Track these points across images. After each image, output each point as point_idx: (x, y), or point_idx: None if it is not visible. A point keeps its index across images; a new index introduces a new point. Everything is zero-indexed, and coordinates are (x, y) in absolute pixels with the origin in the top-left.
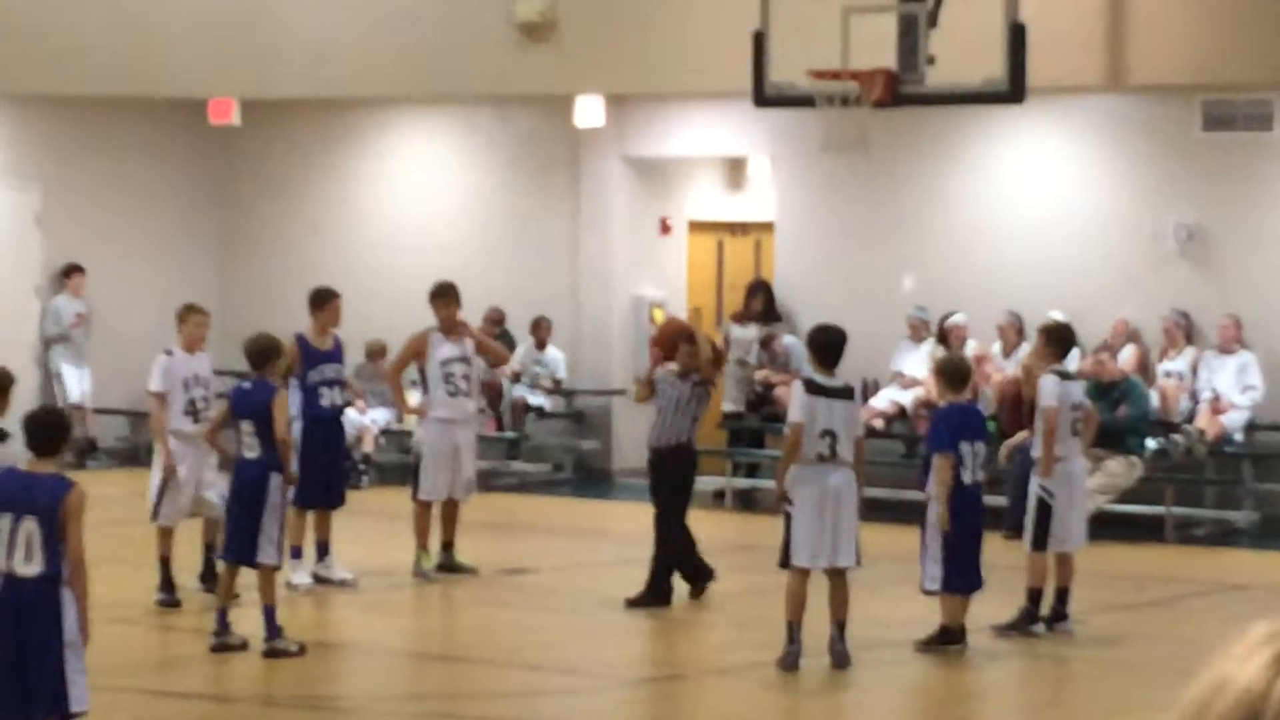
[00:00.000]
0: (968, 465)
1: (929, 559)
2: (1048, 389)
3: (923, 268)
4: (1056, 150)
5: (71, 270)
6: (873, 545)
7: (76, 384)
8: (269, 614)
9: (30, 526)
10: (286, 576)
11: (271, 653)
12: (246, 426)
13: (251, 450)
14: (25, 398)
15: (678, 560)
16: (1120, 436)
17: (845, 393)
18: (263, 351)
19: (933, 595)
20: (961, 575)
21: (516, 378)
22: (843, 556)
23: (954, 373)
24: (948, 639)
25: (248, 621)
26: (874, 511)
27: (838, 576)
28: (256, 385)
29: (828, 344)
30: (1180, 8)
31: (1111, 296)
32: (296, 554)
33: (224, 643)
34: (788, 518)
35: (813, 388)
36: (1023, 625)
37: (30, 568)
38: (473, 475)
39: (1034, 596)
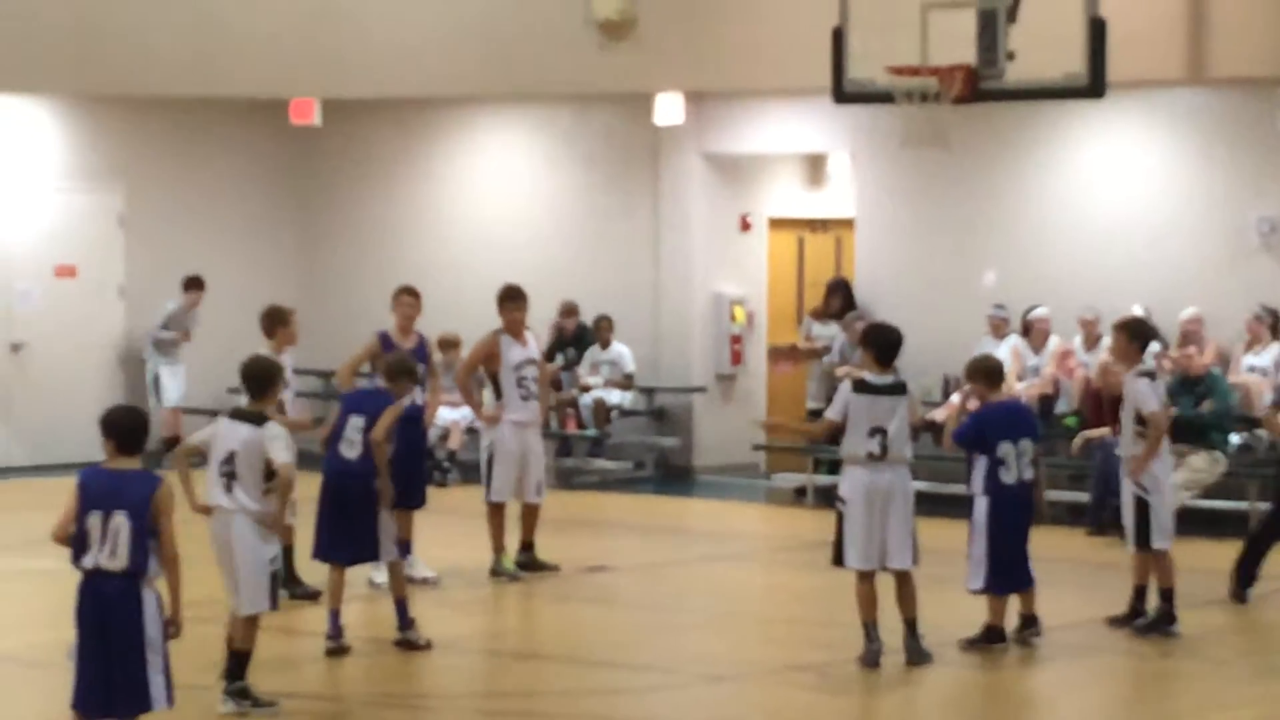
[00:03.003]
0: (1010, 465)
1: (973, 559)
2: (1147, 392)
3: (1003, 264)
4: (1137, 145)
5: (191, 284)
6: (949, 541)
7: (174, 387)
8: (401, 606)
9: (120, 522)
10: (369, 575)
11: (403, 643)
12: (355, 422)
13: (352, 449)
14: (111, 395)
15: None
16: (1204, 432)
17: (896, 389)
18: (398, 370)
19: (979, 595)
20: (1004, 575)
21: (586, 389)
22: (895, 558)
23: (990, 372)
24: (993, 638)
25: (312, 620)
26: (950, 508)
27: (902, 574)
28: (379, 392)
29: (885, 343)
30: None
31: (1193, 291)
32: None
33: (339, 646)
34: (839, 516)
35: (861, 386)
36: (1164, 626)
37: (115, 563)
38: (542, 476)
39: (1166, 595)
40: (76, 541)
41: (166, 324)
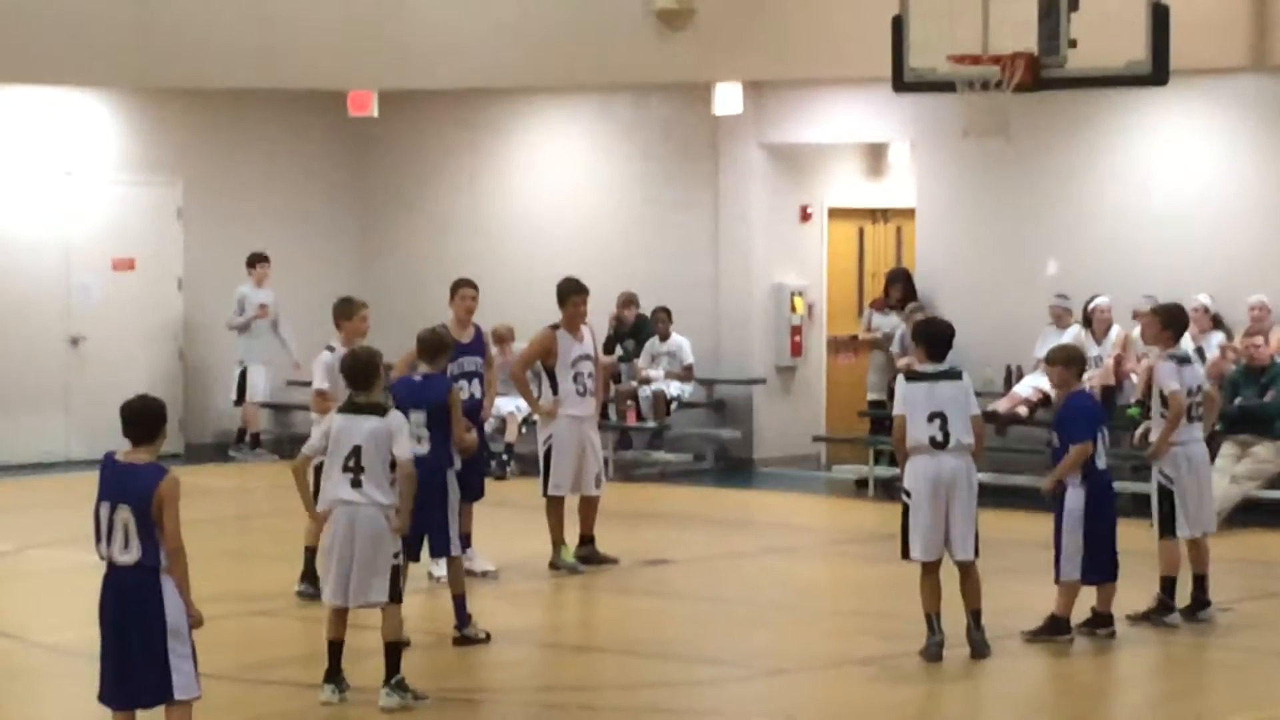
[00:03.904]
0: (1101, 451)
1: (1066, 548)
2: (1168, 373)
3: (1066, 253)
4: (1200, 132)
5: (256, 260)
6: (1015, 533)
7: (262, 382)
8: (459, 603)
9: (125, 515)
10: (428, 568)
11: (462, 640)
12: (417, 418)
13: (420, 445)
14: (170, 388)
15: None
16: (1268, 422)
17: (950, 374)
18: (438, 346)
19: (1071, 584)
20: (1097, 564)
21: (646, 381)
22: (959, 549)
23: (1076, 359)
24: (1057, 629)
25: (370, 614)
26: (1017, 499)
27: (966, 565)
28: (428, 379)
29: (935, 336)
30: None
31: (1258, 279)
32: None
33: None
34: (905, 508)
35: (914, 375)
36: (1157, 616)
37: (128, 556)
38: (601, 468)
39: (1167, 586)
40: (96, 530)
41: (241, 308)
